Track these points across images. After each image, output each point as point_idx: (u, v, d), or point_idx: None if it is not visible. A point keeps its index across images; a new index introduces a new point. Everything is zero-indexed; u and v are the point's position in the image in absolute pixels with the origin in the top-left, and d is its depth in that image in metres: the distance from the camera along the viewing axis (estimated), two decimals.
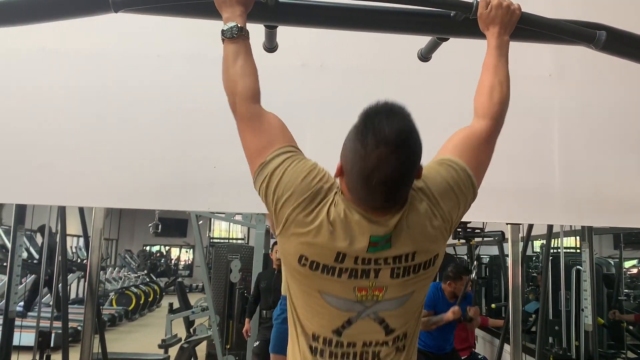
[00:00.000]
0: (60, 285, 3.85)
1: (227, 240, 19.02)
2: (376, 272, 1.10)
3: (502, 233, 4.44)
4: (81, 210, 3.09)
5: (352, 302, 1.12)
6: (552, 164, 2.36)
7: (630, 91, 2.37)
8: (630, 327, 4.96)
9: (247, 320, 4.85)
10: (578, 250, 4.84)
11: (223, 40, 1.22)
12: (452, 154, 1.20)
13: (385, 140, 0.99)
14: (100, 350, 3.12)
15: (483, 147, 1.24)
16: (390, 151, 0.99)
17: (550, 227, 3.19)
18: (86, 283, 2.63)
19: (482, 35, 1.38)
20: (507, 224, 2.96)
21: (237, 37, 1.20)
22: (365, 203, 1.07)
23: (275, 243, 4.93)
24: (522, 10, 1.33)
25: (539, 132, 2.35)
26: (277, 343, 3.49)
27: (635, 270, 7.29)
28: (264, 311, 4.79)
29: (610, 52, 1.39)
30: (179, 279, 8.90)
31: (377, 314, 1.13)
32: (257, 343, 4.59)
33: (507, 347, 4.25)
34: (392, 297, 1.12)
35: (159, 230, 6.28)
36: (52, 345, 4.57)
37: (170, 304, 6.33)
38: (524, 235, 3.32)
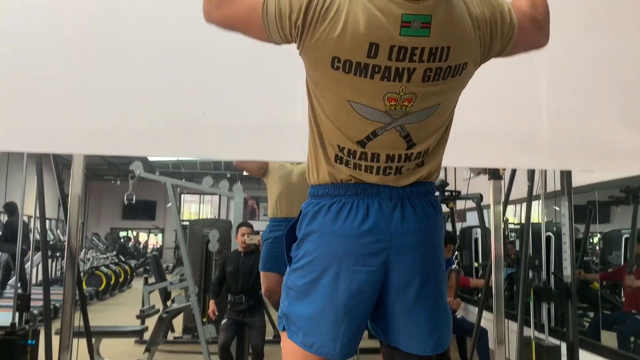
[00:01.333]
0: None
1: (199, 219, 18.82)
2: (409, 73, 1.07)
3: (481, 195, 4.50)
4: (59, 181, 2.97)
5: (381, 113, 1.12)
6: (540, 110, 2.39)
7: (617, 38, 2.40)
8: (607, 291, 5.13)
9: (211, 301, 4.67)
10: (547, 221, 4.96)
11: None
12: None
13: None
14: (80, 324, 3.03)
15: (530, 33, 1.22)
16: None
17: (531, 179, 3.24)
18: (65, 254, 2.54)
19: None
20: (489, 179, 3.00)
21: None
22: None
23: (240, 225, 4.89)
24: None
25: (527, 78, 2.37)
26: (267, 261, 3.47)
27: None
28: (234, 296, 4.72)
29: None
30: (154, 253, 8.75)
31: (403, 127, 1.14)
32: (225, 320, 4.56)
33: (486, 314, 4.35)
34: (419, 109, 1.12)
35: (133, 202, 6.12)
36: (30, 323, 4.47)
37: (145, 278, 6.22)
38: (504, 194, 3.36)
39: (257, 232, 4.70)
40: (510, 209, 6.90)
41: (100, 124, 2.14)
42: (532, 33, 1.22)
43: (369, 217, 1.15)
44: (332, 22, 1.04)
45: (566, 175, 2.78)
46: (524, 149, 2.39)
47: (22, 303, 2.90)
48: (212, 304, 4.66)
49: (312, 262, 1.17)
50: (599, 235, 5.76)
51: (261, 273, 3.58)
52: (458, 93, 1.21)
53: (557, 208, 4.13)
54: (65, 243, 2.57)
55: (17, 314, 2.81)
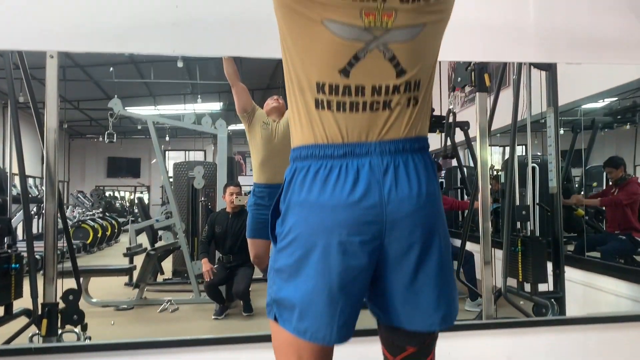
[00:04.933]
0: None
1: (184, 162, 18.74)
2: None
3: (468, 123, 4.47)
4: (41, 134, 2.86)
5: (360, 30, 1.01)
6: (527, 1, 2.32)
7: None
8: (592, 220, 5.19)
9: (204, 260, 4.60)
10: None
11: None
12: None
13: None
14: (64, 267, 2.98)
15: None
16: None
17: (515, 115, 3.21)
18: (44, 199, 2.45)
19: None
20: (477, 91, 2.95)
21: None
22: None
23: (228, 185, 4.81)
24: None
25: None
26: (253, 227, 3.44)
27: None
28: (223, 255, 4.74)
29: None
30: (139, 195, 8.67)
31: (386, 46, 1.03)
32: (215, 266, 4.57)
33: (472, 246, 4.38)
34: (402, 25, 1.02)
35: (114, 140, 6.00)
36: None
37: (132, 220, 6.16)
38: (489, 115, 3.32)
39: (246, 195, 4.66)
40: (493, 151, 6.92)
41: (71, 20, 2.04)
42: None
43: (360, 181, 1.04)
44: None
45: (552, 82, 2.73)
46: (510, 43, 2.33)
47: (3, 226, 2.82)
48: (205, 263, 4.58)
49: (299, 237, 1.06)
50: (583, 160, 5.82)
51: (248, 240, 3.54)
52: (444, 21, 1.09)
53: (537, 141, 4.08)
54: (44, 168, 2.47)
55: None
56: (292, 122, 1.13)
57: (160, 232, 5.35)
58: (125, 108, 4.92)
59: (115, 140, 5.90)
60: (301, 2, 1.02)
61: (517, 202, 4.39)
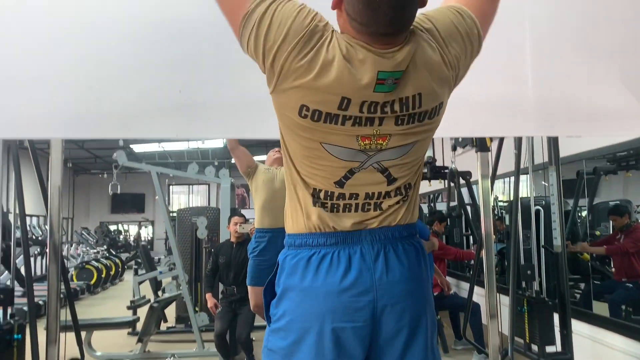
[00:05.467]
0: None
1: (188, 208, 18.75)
2: (380, 120, 1.05)
3: (470, 173, 4.49)
4: (39, 176, 2.89)
5: (355, 152, 1.07)
6: (524, 76, 2.34)
7: (594, 2, 2.36)
8: (597, 262, 5.15)
9: (208, 294, 4.59)
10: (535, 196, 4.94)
11: None
12: (458, 1, 1.14)
13: None
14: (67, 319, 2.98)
15: (491, 17, 1.20)
16: None
17: (519, 147, 3.21)
18: (47, 246, 2.47)
19: None
20: (477, 151, 2.97)
21: None
22: (368, 28, 0.99)
23: (233, 215, 4.84)
24: None
25: (510, 43, 2.32)
26: (254, 275, 3.45)
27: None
28: (226, 287, 4.70)
29: None
30: (142, 243, 8.67)
31: (380, 164, 1.09)
32: (220, 309, 4.54)
33: (479, 290, 4.35)
34: (395, 146, 1.08)
35: (118, 192, 6.03)
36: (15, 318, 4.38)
37: (135, 269, 6.16)
38: (492, 171, 3.33)
39: (248, 220, 4.66)
40: (498, 186, 6.91)
41: (75, 107, 2.07)
42: (491, 16, 1.20)
43: (352, 268, 1.08)
44: (304, 73, 1.00)
45: (553, 143, 2.74)
46: (509, 117, 2.35)
47: (5, 297, 2.82)
48: (210, 299, 4.57)
49: (293, 322, 1.09)
50: (587, 208, 5.79)
51: (249, 288, 3.54)
52: (434, 129, 1.16)
53: (545, 183, 4.13)
54: (47, 232, 2.49)
55: (0, 309, 2.73)
56: (287, 210, 1.18)
57: (164, 285, 5.33)
58: (130, 145, 4.96)
59: (119, 191, 5.92)
60: (305, 129, 1.06)
61: (522, 244, 4.37)
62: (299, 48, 1.00)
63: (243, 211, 6.12)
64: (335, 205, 1.11)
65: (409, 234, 1.15)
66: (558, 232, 3.33)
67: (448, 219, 5.52)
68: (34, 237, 10.08)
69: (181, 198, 19.70)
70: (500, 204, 7.50)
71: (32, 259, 8.97)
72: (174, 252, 4.86)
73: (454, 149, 4.28)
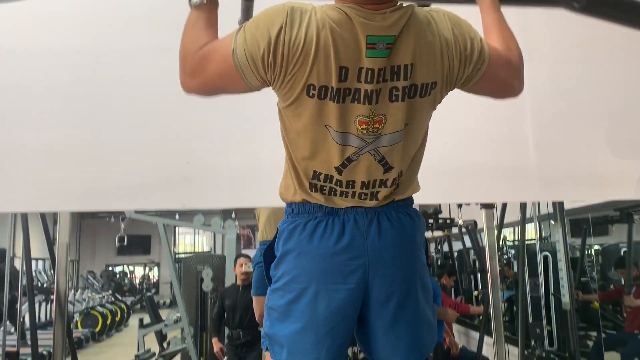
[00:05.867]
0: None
1: (193, 254, 18.62)
2: (377, 94, 1.08)
3: (475, 222, 4.49)
4: (45, 227, 2.93)
5: (353, 137, 1.11)
6: (527, 142, 2.38)
7: (594, 68, 2.41)
8: (604, 311, 5.08)
9: (214, 339, 4.55)
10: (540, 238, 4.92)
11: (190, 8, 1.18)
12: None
13: None
14: None
15: (504, 72, 1.20)
16: None
17: (523, 212, 3.23)
18: (54, 301, 2.49)
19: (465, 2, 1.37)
20: (481, 208, 2.98)
21: (200, 4, 1.16)
22: None
23: (238, 256, 4.84)
24: None
25: (512, 111, 2.36)
26: (259, 284, 3.42)
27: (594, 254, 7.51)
28: (231, 330, 4.61)
29: (590, 13, 1.39)
30: (148, 294, 8.62)
31: (377, 151, 1.13)
32: (226, 358, 4.47)
33: (487, 339, 4.29)
34: (390, 131, 1.12)
35: (125, 244, 6.05)
36: None
37: (141, 319, 6.10)
38: (497, 222, 3.34)
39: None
40: (507, 229, 6.87)
41: (84, 180, 2.11)
42: (503, 71, 1.20)
43: (345, 233, 1.14)
44: (303, 52, 1.05)
45: (558, 205, 2.75)
46: (513, 182, 2.37)
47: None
48: (216, 343, 4.55)
49: (291, 282, 1.16)
50: (596, 247, 5.74)
51: (254, 298, 3.54)
52: (427, 116, 1.19)
53: (552, 222, 4.11)
54: (54, 291, 2.49)
55: None
56: (284, 182, 1.25)
57: (169, 336, 5.28)
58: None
59: (126, 243, 5.95)
60: (306, 109, 1.11)
61: (529, 293, 4.31)
62: (288, 28, 1.05)
63: (249, 251, 6.12)
64: (333, 190, 1.16)
65: (404, 204, 1.21)
66: (566, 290, 3.31)
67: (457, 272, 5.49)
68: (39, 283, 10.06)
69: (187, 239, 19.62)
70: (509, 243, 7.44)
71: (37, 305, 8.94)
72: (179, 305, 4.84)
73: (459, 205, 4.30)
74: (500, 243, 7.31)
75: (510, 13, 1.36)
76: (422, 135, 1.21)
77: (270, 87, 1.13)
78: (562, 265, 3.30)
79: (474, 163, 2.32)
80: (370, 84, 1.07)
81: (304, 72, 1.06)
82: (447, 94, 1.19)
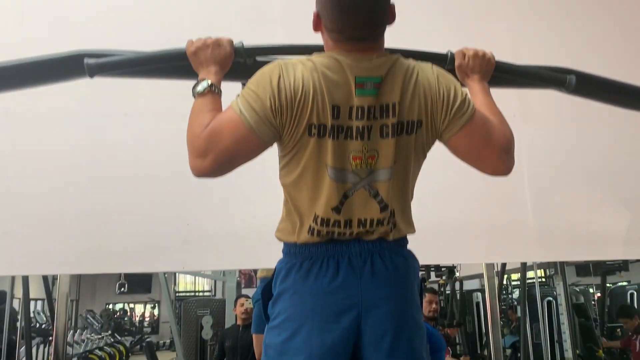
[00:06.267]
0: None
1: (193, 294, 18.43)
2: (368, 130, 1.14)
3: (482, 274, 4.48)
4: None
5: (348, 173, 1.16)
6: (524, 202, 2.40)
7: (587, 128, 2.45)
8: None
9: None
10: (544, 279, 4.87)
11: (194, 97, 1.22)
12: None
13: None
14: None
15: (484, 145, 1.20)
16: None
17: (524, 263, 3.22)
18: (52, 349, 2.48)
19: None
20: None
21: (205, 92, 1.20)
22: (344, 34, 1.14)
23: (239, 297, 4.85)
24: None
25: None
26: (259, 322, 3.38)
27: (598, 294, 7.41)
28: None
29: (580, 94, 1.44)
30: (148, 339, 8.50)
31: (371, 185, 1.17)
32: None
33: None
34: (383, 167, 1.16)
35: (125, 290, 6.02)
36: None
37: None
38: (499, 270, 3.33)
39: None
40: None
41: (84, 243, 2.13)
42: (491, 133, 1.20)
43: (339, 273, 1.16)
44: (303, 93, 1.11)
45: (559, 264, 2.75)
46: (511, 243, 2.38)
47: None
48: None
49: (286, 320, 1.18)
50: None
51: (254, 336, 3.50)
52: (415, 158, 1.21)
53: (552, 270, 4.11)
54: (54, 337, 2.48)
55: None
56: (282, 225, 1.25)
57: None
58: None
59: (126, 286, 5.91)
60: (313, 145, 1.15)
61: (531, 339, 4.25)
62: (286, 77, 1.13)
63: (251, 290, 6.06)
64: (331, 233, 1.18)
65: (399, 245, 1.23)
66: (569, 344, 3.27)
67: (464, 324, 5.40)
68: (37, 324, 9.93)
69: (187, 278, 19.47)
70: (514, 282, 7.36)
71: (34, 348, 8.80)
72: (177, 355, 4.77)
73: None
74: (504, 282, 7.25)
75: None
76: (410, 176, 1.23)
77: (280, 136, 1.17)
78: (563, 318, 3.28)
79: (471, 223, 2.34)
80: (362, 121, 1.13)
81: (306, 112, 1.12)
82: (433, 141, 1.22)
